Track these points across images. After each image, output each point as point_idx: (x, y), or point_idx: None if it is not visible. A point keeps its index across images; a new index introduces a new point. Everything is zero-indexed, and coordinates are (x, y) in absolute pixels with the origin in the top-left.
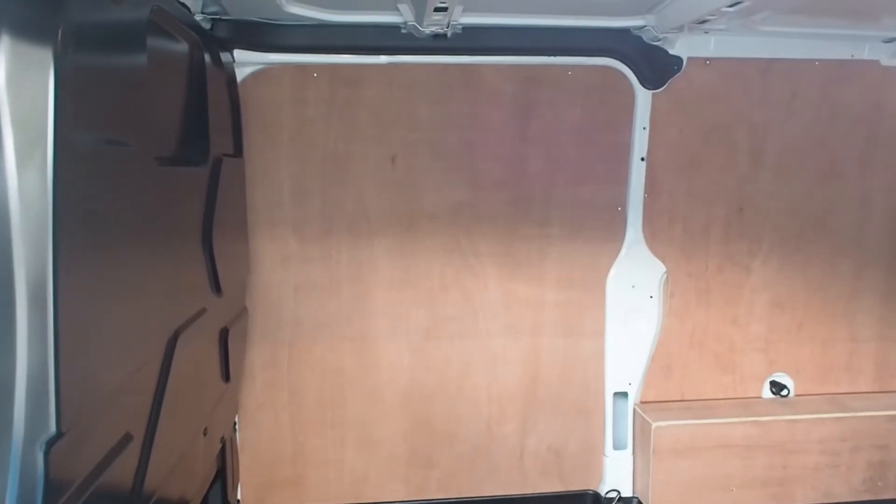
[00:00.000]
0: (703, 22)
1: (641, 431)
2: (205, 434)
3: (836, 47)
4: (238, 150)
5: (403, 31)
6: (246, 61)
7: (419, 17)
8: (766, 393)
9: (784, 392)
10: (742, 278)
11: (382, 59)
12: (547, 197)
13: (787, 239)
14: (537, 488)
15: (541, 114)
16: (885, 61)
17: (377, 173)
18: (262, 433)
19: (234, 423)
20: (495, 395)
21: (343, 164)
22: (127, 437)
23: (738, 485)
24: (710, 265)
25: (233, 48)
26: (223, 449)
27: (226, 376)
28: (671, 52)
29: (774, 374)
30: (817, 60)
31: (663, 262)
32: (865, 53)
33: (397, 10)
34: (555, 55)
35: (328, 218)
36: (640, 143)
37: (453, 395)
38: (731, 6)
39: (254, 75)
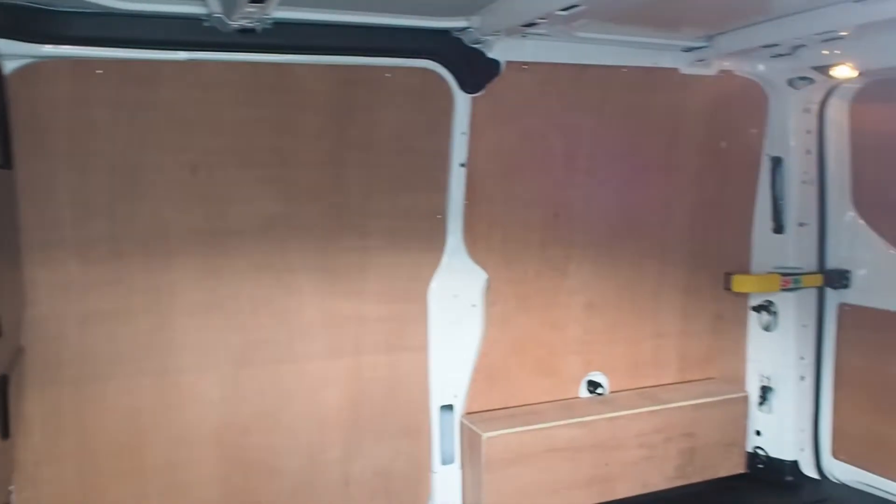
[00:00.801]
0: (529, 25)
1: (470, 443)
2: None
3: (642, 55)
4: (6, 161)
5: (206, 24)
6: (12, 53)
7: (228, 8)
8: (584, 392)
9: (600, 390)
10: (559, 283)
11: (181, 55)
12: (365, 206)
13: (599, 242)
14: None
15: (359, 117)
16: (684, 69)
17: (176, 185)
18: (45, 493)
19: (10, 488)
20: (316, 422)
21: (135, 176)
22: None
23: (566, 486)
24: (530, 271)
25: None
26: None
27: (4, 432)
28: (489, 55)
29: (591, 374)
30: (625, 67)
31: (485, 269)
32: (667, 61)
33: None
34: (372, 55)
35: (117, 237)
36: (460, 148)
37: (271, 427)
38: (564, 10)
39: (21, 71)
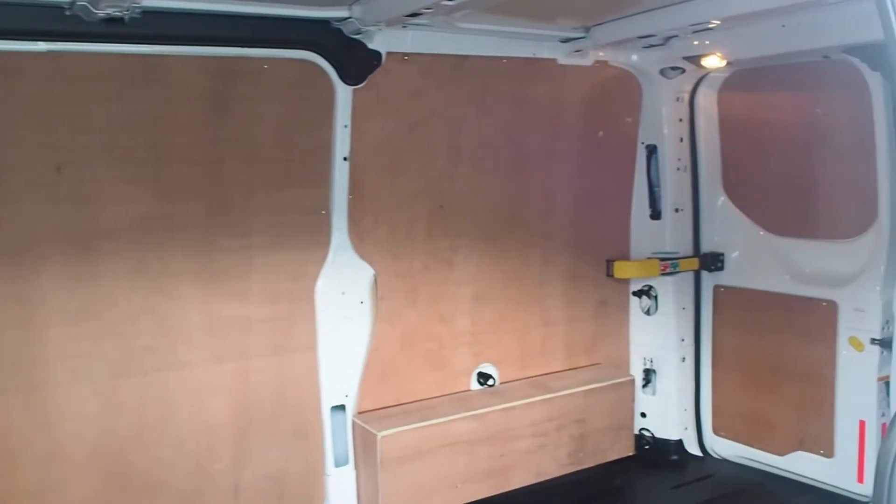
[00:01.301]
0: (411, 16)
1: (364, 443)
2: None
3: (522, 46)
4: None
5: (68, 12)
6: None
7: None
8: (475, 385)
9: (490, 382)
10: (447, 275)
11: (40, 45)
12: (247, 203)
13: (485, 233)
14: None
15: (237, 111)
16: (562, 60)
17: (40, 186)
18: None
19: None
20: (203, 430)
21: None
22: None
23: (463, 480)
24: (417, 264)
25: None
26: None
27: None
28: (370, 46)
29: (481, 366)
30: (505, 58)
31: (371, 264)
32: (545, 52)
33: None
34: (248, 46)
35: None
36: (343, 142)
37: (154, 439)
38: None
39: None
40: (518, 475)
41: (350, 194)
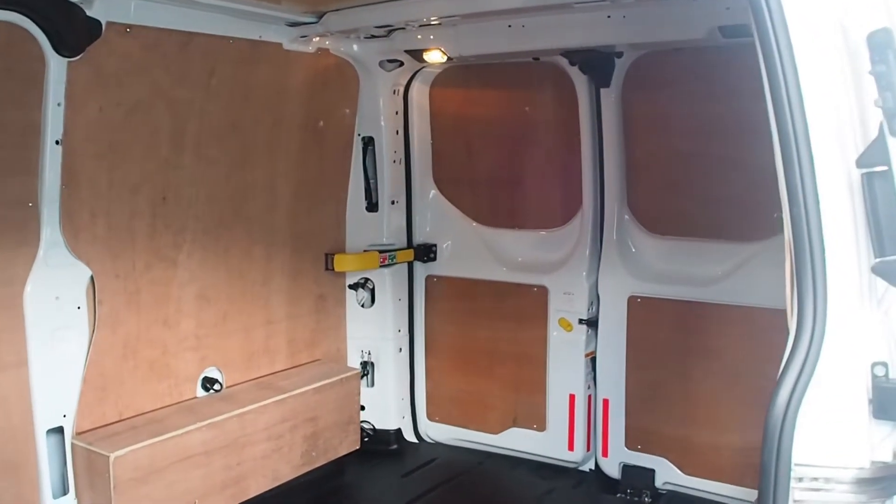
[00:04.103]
0: None
1: (89, 468)
2: None
3: (249, 27)
4: None
5: None
6: None
7: None
8: (201, 392)
9: (217, 387)
10: (170, 274)
11: None
12: None
13: (209, 228)
14: None
15: None
16: (287, 45)
17: None
18: None
19: None
20: None
21: None
22: None
23: (201, 496)
24: (138, 263)
25: None
26: None
27: None
28: (89, 13)
29: (206, 370)
30: (231, 38)
31: (88, 264)
32: (271, 35)
33: None
34: None
35: None
36: (55, 122)
37: None
38: None
39: None
40: (255, 482)
41: (63, 184)
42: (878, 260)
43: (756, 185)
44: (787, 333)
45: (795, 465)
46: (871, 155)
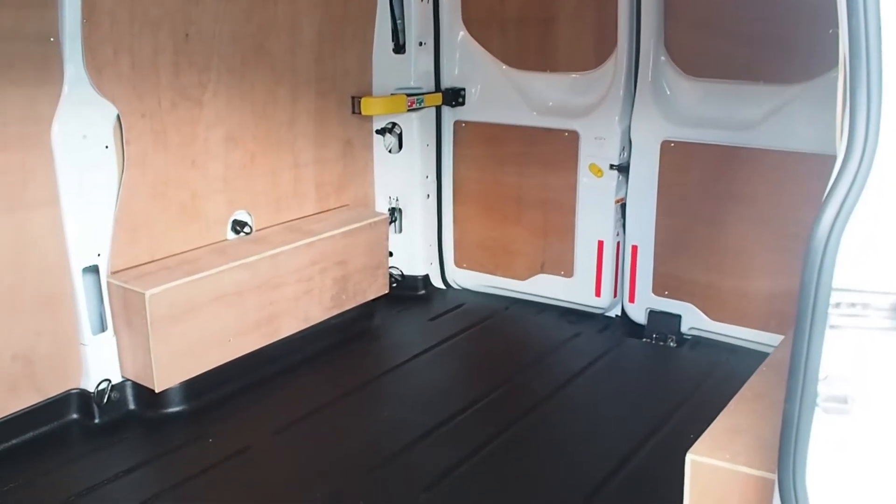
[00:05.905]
0: None
1: (126, 306)
2: None
3: None
4: None
5: None
6: None
7: None
8: (231, 234)
9: (247, 230)
10: (196, 114)
11: None
12: None
13: (233, 67)
14: (8, 409)
15: None
16: None
17: None
18: None
19: None
20: None
21: None
22: None
23: (235, 334)
24: (164, 102)
25: None
26: None
27: None
28: None
29: (235, 213)
30: None
31: (114, 102)
32: None
33: None
34: None
35: None
36: None
37: None
38: None
39: None
40: (287, 323)
41: (84, 19)
42: None
43: (799, 24)
44: (829, 175)
45: (834, 289)
46: None
